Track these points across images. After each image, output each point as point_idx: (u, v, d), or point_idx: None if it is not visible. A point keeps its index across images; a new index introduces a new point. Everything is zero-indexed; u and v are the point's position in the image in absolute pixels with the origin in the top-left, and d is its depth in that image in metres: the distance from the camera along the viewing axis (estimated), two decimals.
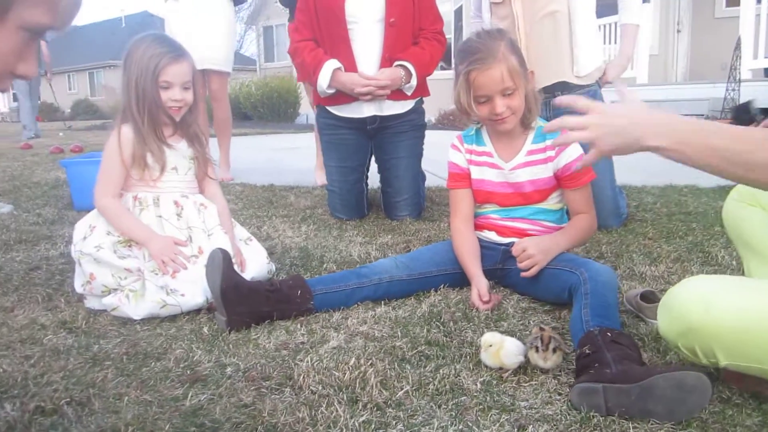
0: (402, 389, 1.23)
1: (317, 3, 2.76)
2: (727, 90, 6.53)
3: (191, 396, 1.23)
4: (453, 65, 1.85)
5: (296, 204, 3.33)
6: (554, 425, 1.10)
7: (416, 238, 2.48)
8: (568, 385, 1.25)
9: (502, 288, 1.86)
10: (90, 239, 1.82)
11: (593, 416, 1.11)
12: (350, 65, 2.74)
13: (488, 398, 1.20)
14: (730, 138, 1.02)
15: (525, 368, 1.31)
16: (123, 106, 1.88)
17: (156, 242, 1.80)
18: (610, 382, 1.12)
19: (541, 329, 1.30)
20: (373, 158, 3.02)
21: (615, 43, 8.79)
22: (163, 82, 1.83)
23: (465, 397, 1.20)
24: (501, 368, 1.30)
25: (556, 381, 1.27)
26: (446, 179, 1.97)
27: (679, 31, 10.02)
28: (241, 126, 11.49)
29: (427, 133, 3.02)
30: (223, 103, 4.36)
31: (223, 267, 1.58)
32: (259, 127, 11.85)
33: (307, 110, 11.43)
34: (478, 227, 1.92)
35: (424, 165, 3.04)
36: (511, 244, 1.79)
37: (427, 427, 1.10)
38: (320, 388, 1.25)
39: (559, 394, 1.21)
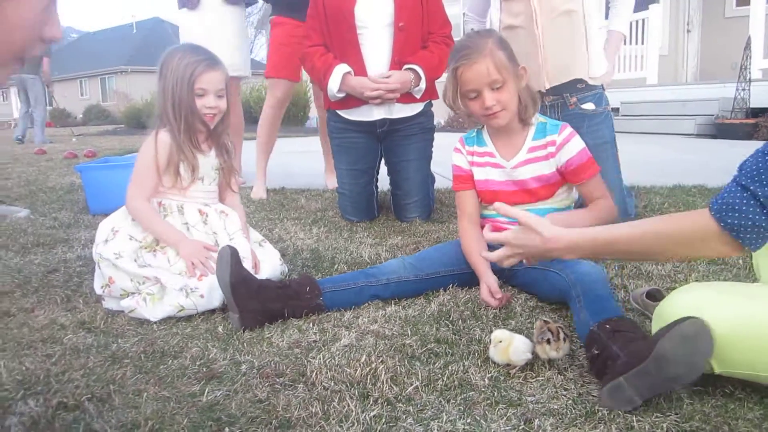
0: (412, 385, 1.27)
1: (327, 8, 2.80)
2: (737, 90, 6.52)
3: (208, 392, 1.27)
4: None
5: (307, 206, 3.37)
6: (560, 419, 1.13)
7: (426, 240, 2.51)
8: (573, 381, 1.28)
9: (510, 287, 1.89)
10: (111, 244, 1.86)
11: (598, 410, 1.14)
12: (360, 69, 2.78)
13: (496, 393, 1.23)
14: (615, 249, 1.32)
15: (532, 365, 1.34)
16: (159, 112, 1.95)
17: (187, 245, 1.85)
18: (627, 371, 1.14)
19: (545, 322, 1.33)
20: (382, 161, 3.06)
21: (635, 43, 8.82)
22: (198, 89, 1.89)
23: (473, 393, 1.24)
24: (508, 365, 1.33)
25: (562, 377, 1.30)
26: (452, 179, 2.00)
27: (689, 30, 10.00)
28: (252, 130, 11.51)
29: (437, 135, 3.05)
30: (236, 108, 4.43)
31: (231, 263, 1.62)
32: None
33: (316, 113, 11.50)
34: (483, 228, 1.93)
35: (434, 167, 3.08)
36: None
37: (436, 421, 1.13)
38: (332, 384, 1.29)
39: (565, 389, 1.24)
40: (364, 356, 1.39)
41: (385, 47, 2.80)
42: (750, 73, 6.46)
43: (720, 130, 6.61)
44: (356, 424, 1.13)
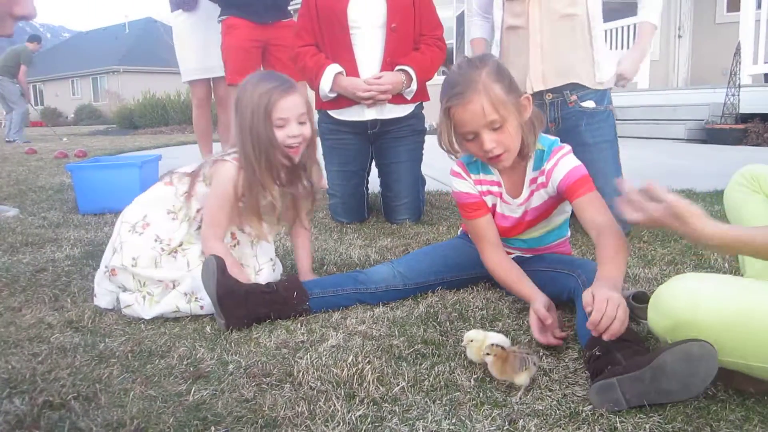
0: (398, 385, 1.27)
1: (319, 8, 2.81)
2: (727, 95, 6.57)
3: (194, 391, 1.27)
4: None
5: None
6: (544, 419, 1.13)
7: (415, 241, 2.52)
8: (558, 382, 1.29)
9: (497, 289, 1.90)
10: (133, 242, 1.79)
11: (582, 410, 1.15)
12: (352, 70, 2.79)
13: (481, 394, 1.24)
14: None
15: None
16: (237, 148, 1.79)
17: None
18: (622, 375, 1.15)
19: (503, 348, 1.28)
20: (373, 162, 3.07)
21: (627, 48, 8.86)
22: (278, 119, 1.73)
23: (459, 393, 1.24)
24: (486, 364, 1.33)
25: (547, 378, 1.30)
26: (458, 207, 1.83)
27: (680, 36, 10.07)
28: None
29: (428, 138, 3.06)
30: (229, 109, 4.40)
31: (217, 274, 1.62)
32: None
33: None
34: None
35: (424, 170, 3.09)
36: (513, 258, 1.82)
37: (422, 421, 1.14)
38: (319, 384, 1.29)
39: (550, 390, 1.25)
40: (351, 357, 1.40)
41: (377, 48, 2.81)
42: (740, 78, 6.51)
43: (710, 135, 6.65)
44: (342, 424, 1.13)
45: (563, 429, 1.10)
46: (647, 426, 1.09)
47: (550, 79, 2.51)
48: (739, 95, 6.49)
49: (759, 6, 6.78)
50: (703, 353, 1.11)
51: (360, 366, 1.35)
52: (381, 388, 1.26)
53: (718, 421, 1.11)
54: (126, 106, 18.09)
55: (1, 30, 0.77)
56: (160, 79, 26.65)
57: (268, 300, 1.68)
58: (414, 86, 2.82)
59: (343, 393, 1.25)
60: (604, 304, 1.24)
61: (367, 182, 3.06)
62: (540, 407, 1.18)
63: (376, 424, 1.13)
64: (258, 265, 1.90)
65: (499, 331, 1.47)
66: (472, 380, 1.29)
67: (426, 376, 1.31)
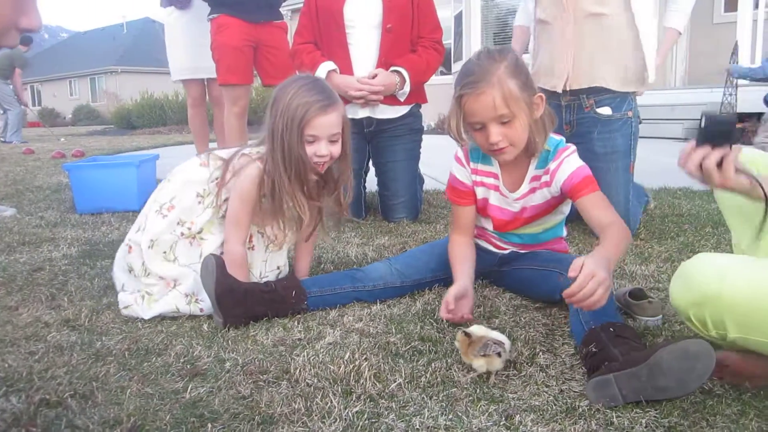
0: (395, 382, 1.27)
1: (319, 7, 2.82)
2: (724, 95, 6.58)
3: (191, 389, 1.27)
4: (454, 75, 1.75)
5: None
6: (540, 414, 1.14)
7: (412, 240, 2.52)
8: (555, 378, 1.29)
9: (495, 287, 1.90)
10: (155, 224, 1.77)
11: (578, 406, 1.16)
12: (346, 68, 2.80)
13: (478, 390, 1.24)
14: None
15: (515, 362, 1.35)
16: (266, 150, 1.75)
17: None
18: (619, 371, 1.16)
19: (467, 334, 1.32)
20: (370, 161, 3.07)
21: None
22: (309, 135, 1.67)
23: (455, 389, 1.24)
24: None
25: (544, 374, 1.31)
26: (445, 187, 1.91)
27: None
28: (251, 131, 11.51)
29: (427, 137, 3.06)
30: (224, 109, 4.39)
31: (216, 273, 1.62)
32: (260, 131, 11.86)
33: None
34: (476, 235, 1.92)
35: (423, 168, 3.09)
36: (509, 253, 1.85)
37: (418, 417, 1.14)
38: (316, 380, 1.29)
39: (547, 386, 1.25)
40: (348, 354, 1.40)
41: (372, 48, 2.81)
42: (737, 78, 6.52)
43: None
44: (339, 420, 1.13)
45: (560, 424, 1.10)
46: (643, 421, 1.10)
47: (574, 81, 2.42)
48: (736, 94, 6.50)
49: (756, 6, 6.79)
50: (700, 351, 1.11)
51: (357, 363, 1.35)
52: (378, 384, 1.26)
53: (714, 416, 1.11)
54: (124, 107, 18.06)
55: (5, 41, 0.76)
56: (157, 79, 26.58)
57: (267, 299, 1.68)
58: (407, 88, 2.82)
59: (339, 389, 1.25)
60: (587, 279, 1.24)
61: (365, 181, 3.06)
62: (537, 402, 1.18)
63: (373, 420, 1.13)
64: (264, 271, 1.88)
65: (494, 328, 1.47)
66: (468, 376, 1.29)
67: (423, 373, 1.31)
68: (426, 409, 1.17)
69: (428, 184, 3.41)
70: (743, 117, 6.48)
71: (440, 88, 4.44)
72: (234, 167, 1.77)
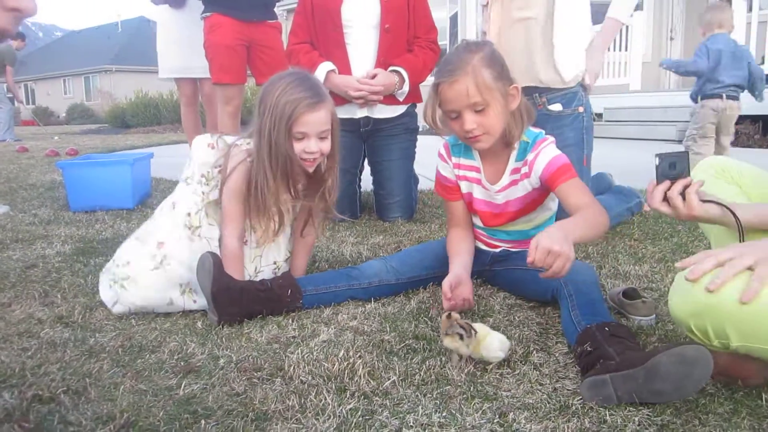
0: (389, 379, 1.27)
1: (315, 6, 2.82)
2: None
3: (185, 385, 1.27)
4: None
5: None
6: (534, 412, 1.14)
7: (407, 239, 2.52)
8: (549, 376, 1.29)
9: (489, 286, 1.90)
10: (161, 224, 1.78)
11: (572, 404, 1.16)
12: (344, 68, 2.80)
13: (472, 388, 1.24)
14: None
15: (509, 361, 1.35)
16: (253, 147, 1.74)
17: None
18: (615, 372, 1.16)
19: (448, 316, 1.37)
20: (366, 160, 3.07)
21: (619, 49, 8.89)
22: (297, 132, 1.66)
23: (449, 387, 1.24)
24: (482, 360, 1.34)
25: (537, 372, 1.31)
26: (436, 186, 1.95)
27: (672, 38, 10.12)
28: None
29: (421, 137, 3.07)
30: (216, 108, 4.38)
31: (213, 271, 1.61)
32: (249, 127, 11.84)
33: None
34: None
35: (418, 168, 3.09)
36: (500, 252, 1.86)
37: (412, 415, 1.14)
38: (310, 378, 1.29)
39: (541, 384, 1.25)
40: (343, 351, 1.40)
41: (370, 48, 2.82)
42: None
43: None
44: (332, 417, 1.13)
45: (553, 422, 1.10)
46: (636, 419, 1.10)
47: None
48: None
49: (750, 9, 6.83)
50: (698, 356, 1.11)
51: (351, 360, 1.35)
52: (372, 382, 1.26)
53: (707, 414, 1.12)
54: (118, 105, 18.01)
55: None
56: (152, 78, 26.40)
57: (263, 298, 1.68)
58: (406, 88, 2.83)
59: (334, 387, 1.25)
60: (543, 256, 1.37)
61: (360, 180, 3.06)
62: (530, 400, 1.18)
63: (367, 418, 1.13)
64: (260, 266, 1.87)
65: (490, 327, 1.47)
66: (463, 374, 1.30)
67: (417, 370, 1.31)
68: (420, 407, 1.17)
69: (423, 184, 3.42)
70: (737, 120, 6.51)
71: None
72: (231, 160, 1.76)
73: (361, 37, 2.81)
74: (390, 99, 2.85)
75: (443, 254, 1.91)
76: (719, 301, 1.08)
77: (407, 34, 2.87)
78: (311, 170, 1.76)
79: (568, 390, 1.23)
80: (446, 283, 1.63)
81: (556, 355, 1.40)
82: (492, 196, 1.81)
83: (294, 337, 1.54)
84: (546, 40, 2.47)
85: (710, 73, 3.68)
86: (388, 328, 1.57)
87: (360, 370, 1.30)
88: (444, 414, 1.14)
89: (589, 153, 2.57)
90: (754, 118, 6.37)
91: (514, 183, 1.76)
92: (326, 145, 1.72)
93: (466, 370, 1.31)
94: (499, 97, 1.62)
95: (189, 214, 1.76)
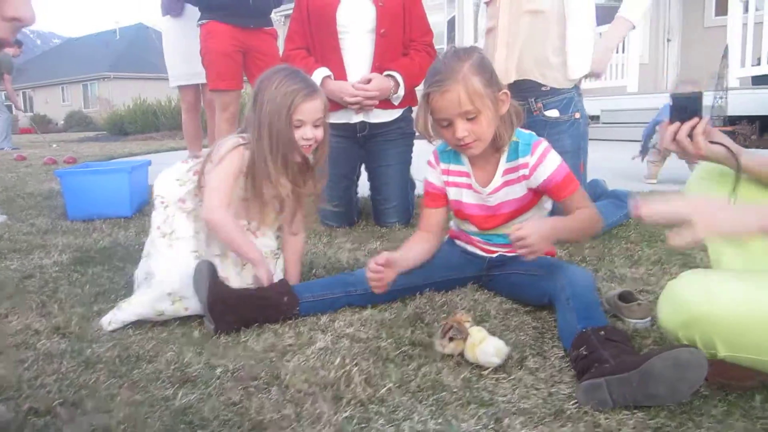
0: (385, 387, 1.27)
1: (311, 12, 2.83)
2: (715, 98, 6.62)
3: (181, 396, 1.27)
4: None
5: None
6: (529, 417, 1.14)
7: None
8: (544, 380, 1.29)
9: (485, 291, 1.90)
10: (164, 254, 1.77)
11: (566, 408, 1.16)
12: (340, 74, 2.80)
13: (468, 394, 1.24)
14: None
15: (504, 366, 1.36)
16: (250, 137, 1.79)
17: (266, 269, 1.78)
18: (610, 375, 1.16)
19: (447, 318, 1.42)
20: (363, 166, 3.07)
21: (616, 51, 8.91)
22: (296, 120, 1.76)
23: (445, 393, 1.25)
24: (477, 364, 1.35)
25: (533, 377, 1.31)
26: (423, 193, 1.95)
27: (669, 40, 10.15)
28: None
29: (416, 142, 3.07)
30: (211, 112, 4.39)
31: (209, 280, 1.62)
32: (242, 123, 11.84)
33: None
34: (464, 241, 1.95)
35: (414, 174, 3.09)
36: (497, 257, 1.86)
37: (408, 422, 1.14)
38: (306, 386, 1.29)
39: (536, 389, 1.26)
40: (339, 359, 1.40)
41: (366, 53, 2.82)
42: (728, 81, 6.56)
43: None
44: (328, 426, 1.13)
45: (548, 427, 1.11)
46: (631, 422, 1.10)
47: (504, 75, 2.47)
48: (726, 98, 6.54)
49: (746, 10, 6.84)
50: (692, 360, 1.11)
51: (347, 368, 1.35)
52: (368, 389, 1.27)
53: (701, 416, 1.12)
54: (116, 113, 18.00)
55: None
56: (150, 85, 26.57)
57: (259, 306, 1.68)
58: (401, 92, 2.83)
59: (330, 395, 1.25)
60: (516, 239, 1.53)
61: (357, 186, 3.07)
62: (525, 405, 1.19)
63: (363, 425, 1.14)
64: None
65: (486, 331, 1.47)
66: (459, 380, 1.30)
67: (413, 377, 1.32)
68: (416, 414, 1.17)
69: (419, 189, 3.41)
70: (734, 120, 6.53)
71: None
72: (213, 158, 1.82)
73: (356, 42, 2.82)
74: (386, 103, 2.85)
75: (440, 260, 1.91)
76: (707, 311, 1.09)
77: (403, 38, 2.88)
78: (309, 155, 1.85)
79: (563, 394, 1.23)
80: (380, 257, 1.66)
81: (552, 359, 1.40)
82: (484, 198, 1.81)
83: (291, 345, 1.54)
84: (558, 32, 2.47)
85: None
86: (384, 335, 1.57)
87: (356, 377, 1.30)
88: (440, 420, 1.15)
89: (585, 158, 2.59)
90: (751, 119, 6.38)
91: (508, 184, 1.77)
92: (320, 132, 1.83)
93: (461, 376, 1.32)
94: (490, 104, 1.63)
95: (159, 227, 1.79)
